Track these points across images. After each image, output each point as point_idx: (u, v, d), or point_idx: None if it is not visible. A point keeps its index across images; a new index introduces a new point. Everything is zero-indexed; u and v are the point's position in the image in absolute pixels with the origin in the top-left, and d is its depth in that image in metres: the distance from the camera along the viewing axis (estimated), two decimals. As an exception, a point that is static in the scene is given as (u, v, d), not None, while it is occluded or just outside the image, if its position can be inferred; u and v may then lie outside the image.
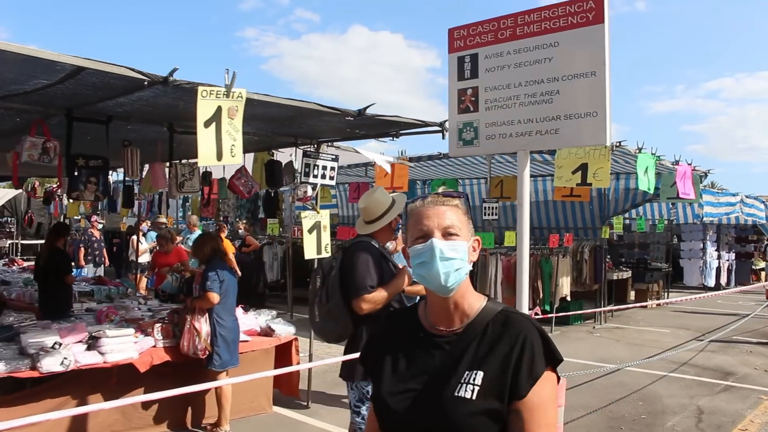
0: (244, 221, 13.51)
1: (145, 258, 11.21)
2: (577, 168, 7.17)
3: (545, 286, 9.77)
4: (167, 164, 5.27)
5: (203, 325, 4.69)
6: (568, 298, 10.31)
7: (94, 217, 12.82)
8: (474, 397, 1.32)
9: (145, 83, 3.30)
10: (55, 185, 11.60)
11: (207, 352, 4.71)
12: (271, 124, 5.01)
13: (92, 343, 4.50)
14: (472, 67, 3.34)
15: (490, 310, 1.44)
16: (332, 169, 5.63)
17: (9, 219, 17.90)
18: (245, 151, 5.78)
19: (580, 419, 5.43)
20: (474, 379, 1.34)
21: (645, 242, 16.95)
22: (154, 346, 4.76)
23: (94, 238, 12.41)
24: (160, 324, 4.89)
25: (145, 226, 11.80)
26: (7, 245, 16.78)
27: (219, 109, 3.38)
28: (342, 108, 4.10)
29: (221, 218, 12.08)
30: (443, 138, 4.60)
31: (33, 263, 13.17)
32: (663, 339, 9.54)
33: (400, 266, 3.55)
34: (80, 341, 4.49)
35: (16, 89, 3.77)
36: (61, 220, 13.37)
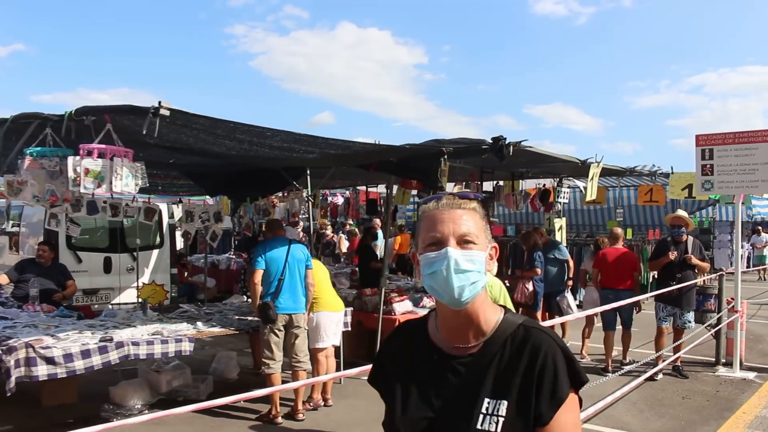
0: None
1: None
2: (685, 186, 11.06)
3: (644, 269, 13.75)
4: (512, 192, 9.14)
5: (529, 285, 8.45)
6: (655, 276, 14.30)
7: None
8: (499, 430, 1.23)
9: (579, 163, 7.07)
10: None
11: (532, 300, 8.47)
12: (551, 166, 8.79)
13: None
14: (710, 154, 7.17)
15: (509, 324, 1.33)
16: (566, 194, 9.49)
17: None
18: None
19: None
20: (498, 410, 1.24)
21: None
22: (497, 297, 8.56)
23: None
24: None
25: (348, 227, 15.41)
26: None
27: (594, 174, 7.21)
28: (622, 167, 7.95)
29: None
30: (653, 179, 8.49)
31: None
32: (727, 303, 13.52)
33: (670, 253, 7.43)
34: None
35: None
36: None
